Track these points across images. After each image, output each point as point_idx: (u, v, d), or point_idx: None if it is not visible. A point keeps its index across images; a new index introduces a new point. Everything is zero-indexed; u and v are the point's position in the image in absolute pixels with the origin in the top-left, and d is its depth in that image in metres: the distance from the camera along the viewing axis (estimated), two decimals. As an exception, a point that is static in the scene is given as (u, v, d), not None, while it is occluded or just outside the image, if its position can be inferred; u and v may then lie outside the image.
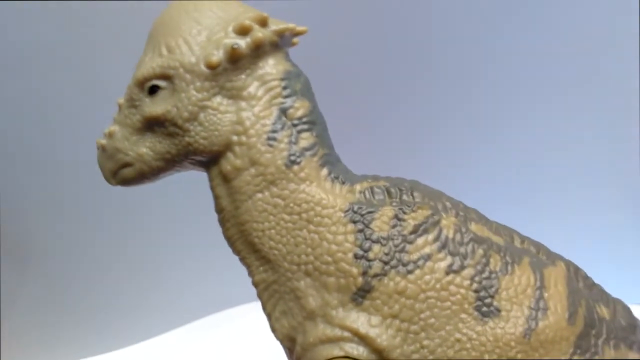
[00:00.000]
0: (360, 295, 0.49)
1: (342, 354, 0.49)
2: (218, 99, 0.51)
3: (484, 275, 0.49)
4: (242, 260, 0.54)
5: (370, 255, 0.49)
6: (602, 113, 0.97)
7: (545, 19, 0.96)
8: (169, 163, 0.54)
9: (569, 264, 0.53)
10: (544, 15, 0.96)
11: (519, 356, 0.47)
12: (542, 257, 0.52)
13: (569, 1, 0.95)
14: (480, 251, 0.50)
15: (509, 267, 0.50)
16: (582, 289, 0.51)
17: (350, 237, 0.50)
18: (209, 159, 0.53)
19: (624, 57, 0.93)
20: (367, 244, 0.50)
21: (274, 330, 0.53)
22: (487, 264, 0.49)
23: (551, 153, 1.00)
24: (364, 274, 0.49)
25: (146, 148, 0.54)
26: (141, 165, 0.54)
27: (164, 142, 0.53)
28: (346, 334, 0.49)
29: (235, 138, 0.51)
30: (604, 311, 0.51)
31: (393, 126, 0.99)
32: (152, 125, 0.53)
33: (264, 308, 0.54)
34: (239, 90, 0.52)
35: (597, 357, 0.48)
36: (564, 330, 0.48)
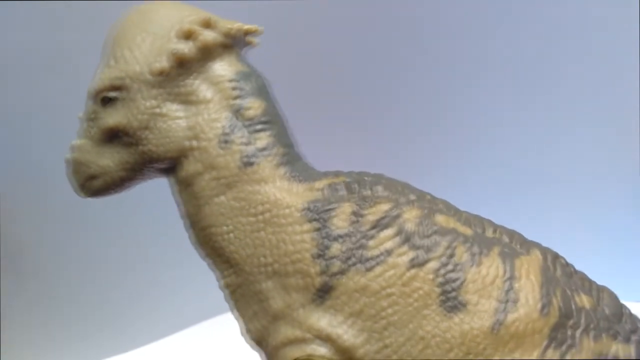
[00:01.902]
0: (320, 295, 0.48)
1: (305, 355, 0.48)
2: (168, 105, 0.51)
3: (448, 268, 0.47)
4: (210, 264, 0.54)
5: (329, 253, 0.48)
6: (602, 111, 0.94)
7: (543, 18, 0.93)
8: (131, 172, 0.54)
9: (545, 252, 0.50)
10: (542, 13, 0.93)
11: (487, 351, 0.45)
12: (515, 247, 0.49)
13: (568, 1, 0.92)
14: (444, 243, 0.48)
15: (476, 258, 0.47)
16: (560, 278, 0.48)
17: (308, 237, 0.49)
18: (168, 166, 0.53)
19: (624, 57, 0.90)
20: (325, 243, 0.48)
21: (245, 334, 0.53)
22: (451, 256, 0.47)
23: (550, 152, 0.97)
24: (323, 273, 0.48)
25: (107, 159, 0.54)
26: (105, 177, 0.55)
27: (122, 153, 0.53)
28: (308, 335, 0.48)
29: (188, 143, 0.51)
30: (584, 300, 0.48)
31: (385, 125, 0.97)
32: (110, 136, 0.53)
33: (234, 310, 0.53)
34: (189, 95, 0.51)
35: (574, 349, 0.45)
36: (536, 322, 0.45)
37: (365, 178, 0.51)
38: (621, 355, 0.46)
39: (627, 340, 0.47)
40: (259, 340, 0.52)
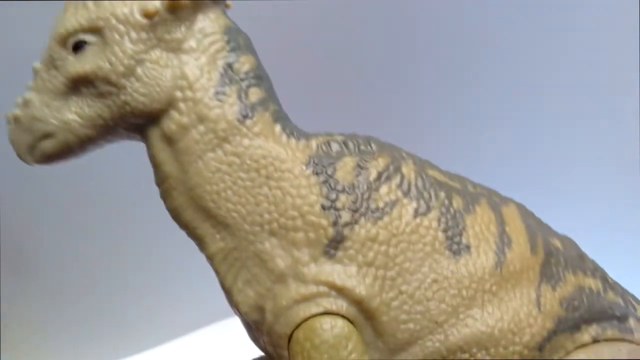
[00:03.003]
0: (333, 246, 0.46)
1: (320, 310, 0.45)
2: (157, 52, 0.47)
3: (449, 216, 0.49)
4: (193, 232, 0.49)
5: (338, 204, 0.47)
6: (602, 111, 0.97)
7: (547, 16, 0.96)
8: (101, 130, 0.48)
9: (518, 204, 0.55)
10: (545, 11, 0.96)
11: (494, 288, 0.48)
12: (495, 199, 0.54)
13: (571, 1, 0.96)
14: (442, 194, 0.50)
15: (470, 207, 0.50)
16: (535, 224, 0.53)
17: (315, 189, 0.47)
18: (147, 121, 0.48)
19: (625, 57, 0.94)
20: (333, 194, 0.47)
21: (236, 304, 0.48)
22: (450, 204, 0.50)
23: (550, 151, 1.00)
24: (335, 224, 0.47)
25: (72, 114, 0.47)
26: (66, 134, 0.47)
27: (94, 105, 0.47)
28: (322, 288, 0.46)
29: (179, 94, 0.47)
30: (557, 243, 0.53)
31: (387, 118, 0.95)
32: (79, 86, 0.47)
33: (223, 282, 0.49)
34: (179, 43, 0.48)
35: (561, 283, 0.50)
36: (528, 260, 0.49)
37: (360, 137, 0.52)
38: (593, 288, 0.51)
39: (593, 276, 0.53)
40: (255, 308, 0.47)
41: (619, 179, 0.94)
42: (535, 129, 0.99)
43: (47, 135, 0.48)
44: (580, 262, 0.53)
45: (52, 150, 0.48)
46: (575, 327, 0.49)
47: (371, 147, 0.51)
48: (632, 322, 0.51)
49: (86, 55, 0.46)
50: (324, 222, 0.47)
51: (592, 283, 0.52)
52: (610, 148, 0.96)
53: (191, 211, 0.48)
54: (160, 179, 0.49)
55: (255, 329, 0.48)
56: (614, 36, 0.93)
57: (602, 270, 0.54)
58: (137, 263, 1.00)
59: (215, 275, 0.50)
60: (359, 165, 0.49)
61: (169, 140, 0.48)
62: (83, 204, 0.94)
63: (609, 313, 0.50)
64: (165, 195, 0.49)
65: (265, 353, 0.50)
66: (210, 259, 0.49)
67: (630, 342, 0.49)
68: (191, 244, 0.49)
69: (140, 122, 0.48)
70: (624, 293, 0.54)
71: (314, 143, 0.50)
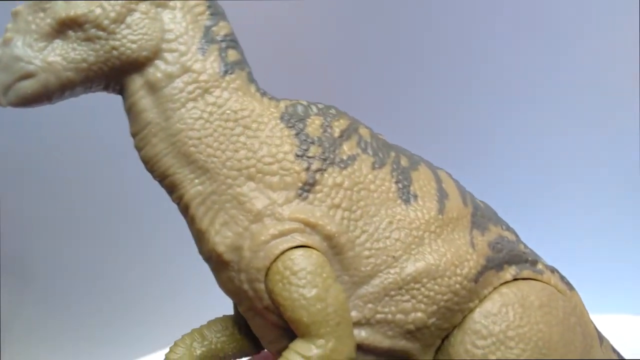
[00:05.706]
0: (306, 189, 0.52)
1: (296, 243, 0.50)
2: (146, 4, 0.51)
3: (399, 171, 0.57)
4: (170, 178, 0.52)
5: (310, 154, 0.53)
6: (602, 112, 1.01)
7: (546, 19, 1.00)
8: (82, 74, 0.50)
9: (447, 172, 0.64)
10: (544, 15, 1.00)
11: (438, 230, 0.56)
12: (430, 164, 0.62)
13: (571, 2, 0.99)
14: (392, 153, 0.58)
15: (414, 165, 0.59)
16: (461, 187, 0.63)
17: (289, 140, 0.53)
18: (128, 69, 0.51)
19: (625, 61, 0.99)
20: (305, 145, 0.53)
21: (213, 245, 0.51)
22: (399, 162, 0.57)
23: (552, 154, 1.04)
24: (307, 169, 0.52)
25: (57, 56, 0.49)
26: (48, 76, 0.49)
27: (79, 49, 0.49)
28: (297, 225, 0.51)
29: (165, 45, 0.51)
30: (479, 202, 0.63)
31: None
32: (66, 29, 0.49)
33: (199, 224, 0.52)
34: (166, 0, 0.52)
35: (487, 231, 0.59)
36: (462, 210, 0.58)
37: (319, 103, 0.59)
38: (510, 238, 0.61)
39: (509, 230, 0.63)
40: (232, 247, 0.51)
41: (619, 180, 1.00)
42: (535, 131, 1.04)
43: (27, 76, 0.48)
44: (498, 219, 0.63)
45: (30, 91, 0.49)
46: (500, 266, 0.58)
47: (332, 111, 0.58)
48: (540, 266, 0.61)
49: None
50: (298, 167, 0.52)
51: (508, 235, 0.62)
52: (611, 151, 1.02)
53: (170, 157, 0.51)
54: (140, 127, 0.51)
55: (229, 269, 0.51)
56: (614, 40, 0.99)
57: (513, 229, 0.65)
58: (137, 266, 1.01)
59: (188, 222, 0.53)
60: (324, 124, 0.55)
61: (153, 88, 0.51)
62: (84, 208, 0.96)
63: (524, 258, 0.60)
64: (143, 144, 0.52)
65: (234, 296, 0.53)
66: (187, 202, 0.52)
67: (541, 281, 0.60)
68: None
69: (122, 69, 0.50)
70: (528, 247, 0.65)
71: (282, 104, 0.56)
